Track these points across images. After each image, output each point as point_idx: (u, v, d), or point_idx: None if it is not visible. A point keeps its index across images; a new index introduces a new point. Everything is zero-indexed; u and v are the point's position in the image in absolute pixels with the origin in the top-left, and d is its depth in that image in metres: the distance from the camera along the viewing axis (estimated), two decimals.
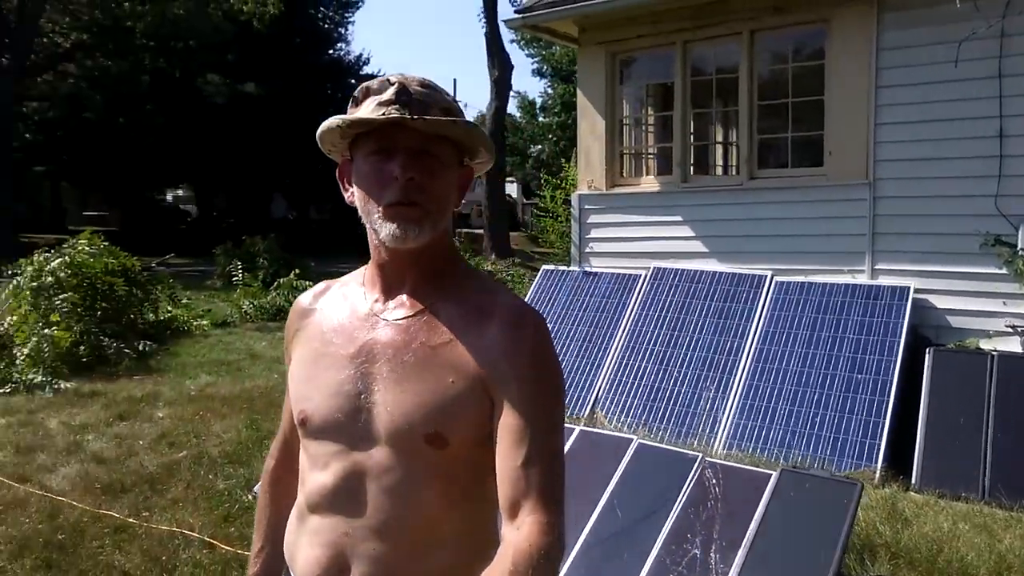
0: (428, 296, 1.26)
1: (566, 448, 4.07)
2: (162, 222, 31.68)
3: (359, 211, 1.26)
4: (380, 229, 1.22)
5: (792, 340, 5.55)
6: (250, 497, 4.41)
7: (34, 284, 7.66)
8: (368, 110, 1.21)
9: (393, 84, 1.21)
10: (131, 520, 4.16)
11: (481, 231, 25.74)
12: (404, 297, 1.27)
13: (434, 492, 1.21)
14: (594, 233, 7.21)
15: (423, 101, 1.20)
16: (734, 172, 7.64)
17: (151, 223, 29.45)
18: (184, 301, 10.93)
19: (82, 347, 7.55)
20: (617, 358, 6.11)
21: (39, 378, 6.91)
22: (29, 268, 7.85)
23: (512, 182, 46.28)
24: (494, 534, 1.31)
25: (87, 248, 8.29)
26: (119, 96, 26.17)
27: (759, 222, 6.31)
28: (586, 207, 7.25)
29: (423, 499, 1.21)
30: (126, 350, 7.72)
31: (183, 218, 35.88)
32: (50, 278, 7.66)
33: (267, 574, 1.44)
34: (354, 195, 1.28)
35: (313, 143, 1.30)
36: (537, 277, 7.35)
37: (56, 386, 6.83)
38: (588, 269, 7.02)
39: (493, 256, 21.32)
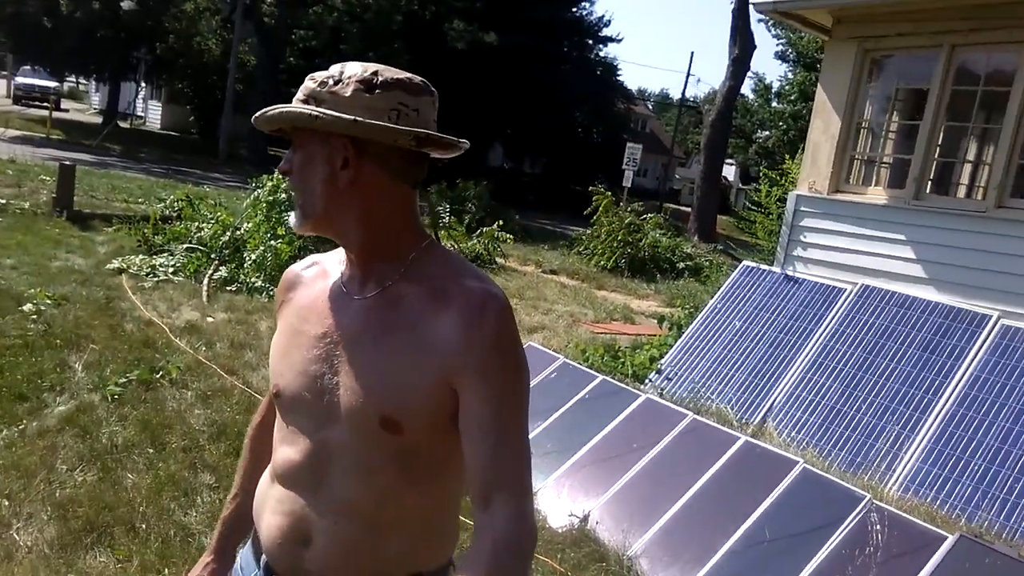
0: (388, 276, 1.25)
1: (730, 454, 3.95)
2: None
3: None
4: None
5: (1008, 392, 4.96)
6: None
7: (270, 199, 8.47)
8: None
9: None
10: None
11: (689, 208, 25.02)
12: (366, 279, 1.27)
13: (390, 475, 1.22)
14: (804, 237, 6.80)
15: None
16: (979, 196, 6.88)
17: None
18: None
19: (295, 261, 8.23)
20: (802, 371, 5.79)
21: (259, 283, 7.69)
22: (268, 183, 8.66)
23: (731, 164, 44.56)
24: (453, 521, 1.33)
25: None
26: (373, 32, 27.96)
27: (996, 256, 5.61)
28: (801, 208, 6.84)
29: (379, 481, 1.22)
30: None
31: None
32: (283, 195, 8.41)
33: (238, 518, 1.48)
34: None
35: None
36: (735, 272, 7.08)
37: (271, 293, 7.57)
38: (790, 273, 6.66)
39: (696, 238, 20.65)
